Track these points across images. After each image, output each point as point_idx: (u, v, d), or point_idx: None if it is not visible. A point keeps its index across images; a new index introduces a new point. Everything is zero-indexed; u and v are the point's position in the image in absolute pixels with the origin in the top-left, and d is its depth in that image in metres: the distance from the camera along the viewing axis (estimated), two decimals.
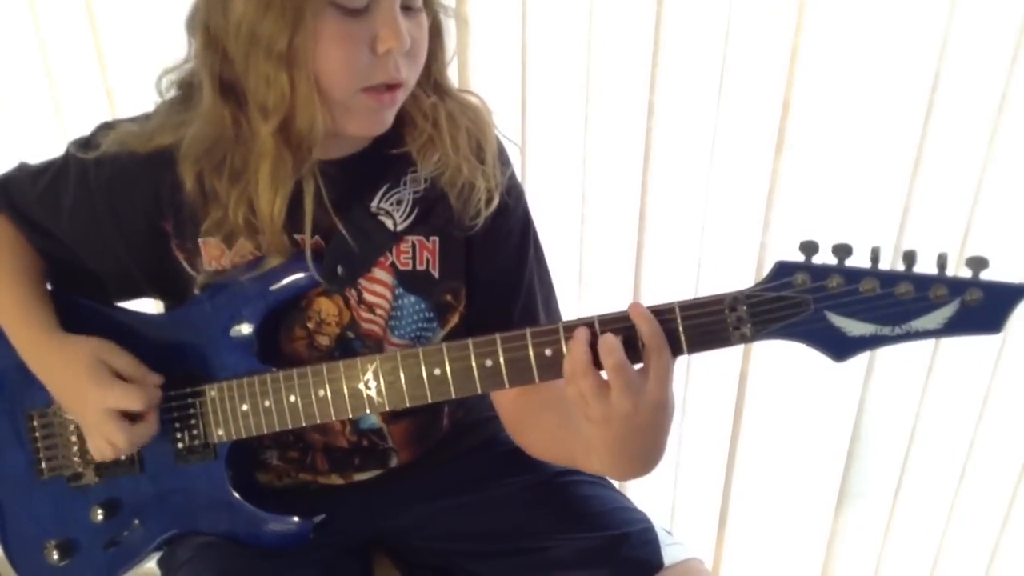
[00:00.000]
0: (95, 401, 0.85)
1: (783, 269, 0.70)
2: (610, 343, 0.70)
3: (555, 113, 1.35)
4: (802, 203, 1.38)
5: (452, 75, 0.92)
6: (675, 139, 1.36)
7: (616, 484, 1.02)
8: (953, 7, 1.23)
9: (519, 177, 0.97)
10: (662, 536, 0.93)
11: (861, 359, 1.44)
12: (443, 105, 0.86)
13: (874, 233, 1.37)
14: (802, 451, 1.61)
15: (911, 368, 1.51)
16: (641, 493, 1.55)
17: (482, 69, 1.32)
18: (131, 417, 0.85)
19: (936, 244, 1.36)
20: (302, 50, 0.73)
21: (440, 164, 0.86)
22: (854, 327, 0.69)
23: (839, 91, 1.31)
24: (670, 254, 1.45)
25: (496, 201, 0.88)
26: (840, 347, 0.69)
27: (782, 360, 1.51)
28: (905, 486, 1.63)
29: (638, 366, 0.72)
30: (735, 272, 1.42)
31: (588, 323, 0.73)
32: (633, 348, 0.72)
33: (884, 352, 1.37)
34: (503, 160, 0.92)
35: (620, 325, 0.72)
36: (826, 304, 0.69)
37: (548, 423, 0.87)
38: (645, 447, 0.75)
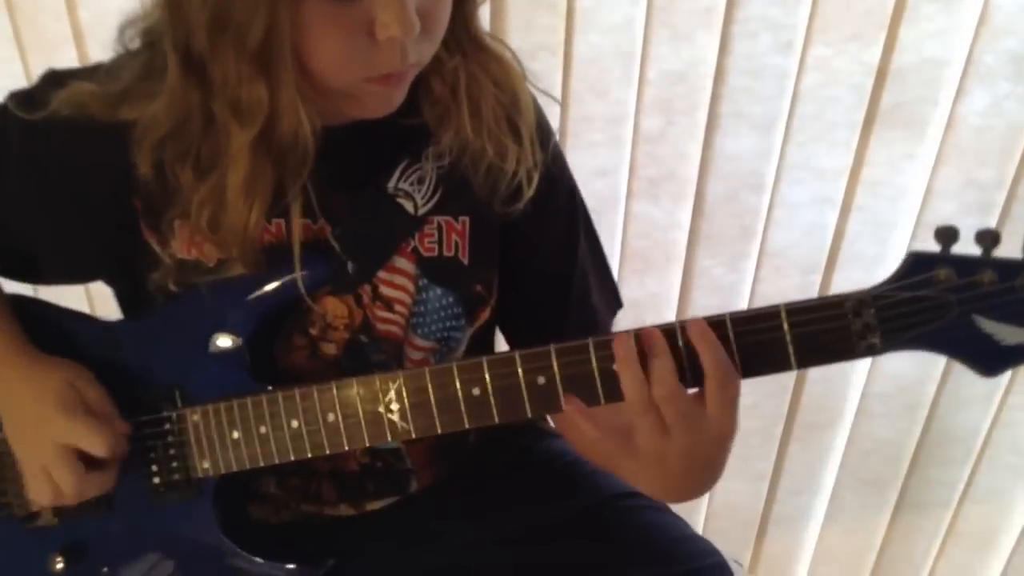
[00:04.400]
0: (58, 431, 0.70)
1: (919, 263, 0.56)
2: (662, 371, 0.60)
3: (601, 65, 1.19)
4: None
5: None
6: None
7: None
8: None
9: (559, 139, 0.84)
10: (734, 569, 0.81)
11: None
12: (466, 66, 0.71)
13: None
14: None
15: None
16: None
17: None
18: (87, 462, 0.71)
19: None
20: (281, 45, 0.58)
21: (458, 140, 0.72)
22: (1010, 334, 0.55)
23: None
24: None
25: (535, 182, 0.75)
26: (992, 359, 0.56)
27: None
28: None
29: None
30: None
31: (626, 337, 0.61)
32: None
33: None
34: (543, 131, 0.78)
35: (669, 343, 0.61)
36: (974, 306, 0.55)
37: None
38: (701, 478, 0.68)
